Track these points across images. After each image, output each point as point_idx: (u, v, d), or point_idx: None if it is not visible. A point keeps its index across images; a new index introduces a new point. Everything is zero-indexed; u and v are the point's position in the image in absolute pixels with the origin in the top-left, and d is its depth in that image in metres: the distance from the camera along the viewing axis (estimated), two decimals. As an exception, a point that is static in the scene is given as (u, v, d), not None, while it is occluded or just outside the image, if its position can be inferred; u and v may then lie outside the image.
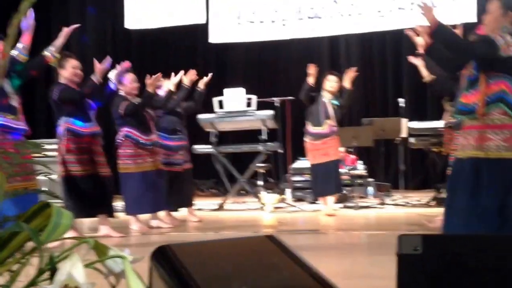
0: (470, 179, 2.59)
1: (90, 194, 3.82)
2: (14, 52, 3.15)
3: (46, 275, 0.73)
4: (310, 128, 5.22)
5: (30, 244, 0.82)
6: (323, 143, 5.16)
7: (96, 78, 3.88)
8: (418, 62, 4.14)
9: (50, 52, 3.47)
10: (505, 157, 2.54)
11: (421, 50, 3.21)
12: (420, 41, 3.12)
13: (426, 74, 4.21)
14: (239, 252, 0.88)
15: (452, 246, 0.87)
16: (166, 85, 4.85)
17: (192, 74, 5.15)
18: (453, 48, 2.69)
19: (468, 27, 3.28)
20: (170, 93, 4.73)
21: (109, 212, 4.00)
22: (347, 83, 5.18)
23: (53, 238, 0.73)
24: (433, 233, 0.91)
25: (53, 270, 0.72)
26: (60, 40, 3.54)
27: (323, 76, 5.33)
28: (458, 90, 2.84)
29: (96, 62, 3.92)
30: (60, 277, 0.66)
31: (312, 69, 5.19)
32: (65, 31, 3.58)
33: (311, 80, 5.18)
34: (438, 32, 2.65)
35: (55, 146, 4.06)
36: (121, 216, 4.41)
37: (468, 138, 2.65)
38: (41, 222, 0.77)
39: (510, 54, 2.56)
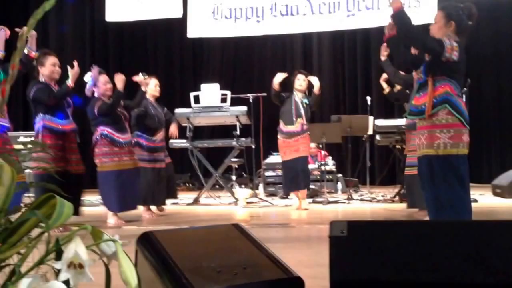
0: (426, 175, 2.86)
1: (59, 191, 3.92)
2: None
3: (52, 255, 0.89)
4: (283, 126, 5.43)
5: (35, 231, 0.98)
6: (295, 141, 5.37)
7: (69, 83, 3.98)
8: (383, 77, 4.66)
9: (29, 49, 3.61)
10: (452, 153, 2.80)
11: (382, 58, 3.46)
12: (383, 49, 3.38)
13: (385, 86, 4.76)
14: (209, 237, 1.07)
15: (371, 230, 1.08)
16: (152, 82, 5.02)
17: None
18: (409, 32, 2.90)
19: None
20: (143, 94, 4.82)
21: (75, 210, 4.12)
22: (316, 88, 5.38)
23: (58, 224, 0.89)
24: (357, 220, 1.10)
25: (58, 251, 0.88)
26: (32, 41, 3.72)
27: (293, 74, 5.53)
28: (411, 93, 3.10)
29: (69, 68, 4.03)
30: (68, 255, 0.82)
31: (282, 76, 5.38)
32: (33, 34, 3.76)
33: (276, 86, 5.37)
34: (399, 14, 2.87)
35: (31, 139, 4.12)
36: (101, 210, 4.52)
37: (421, 138, 2.93)
38: (46, 210, 0.93)
39: (453, 57, 2.82)
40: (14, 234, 0.94)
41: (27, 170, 4.42)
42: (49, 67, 4.01)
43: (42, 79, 4.03)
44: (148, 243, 1.00)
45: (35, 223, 0.95)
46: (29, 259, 0.94)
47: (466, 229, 1.13)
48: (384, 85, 4.91)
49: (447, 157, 2.80)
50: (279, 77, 5.37)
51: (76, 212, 4.12)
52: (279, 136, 5.50)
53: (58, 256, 0.88)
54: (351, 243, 1.04)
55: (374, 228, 1.09)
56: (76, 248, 0.83)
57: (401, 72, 4.42)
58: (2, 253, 0.88)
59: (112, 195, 4.39)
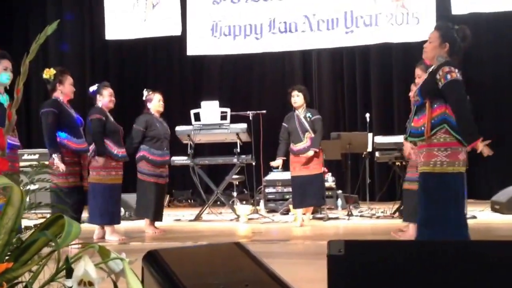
0: (421, 193, 2.90)
1: (74, 205, 3.99)
2: None
3: (62, 273, 0.93)
4: (293, 146, 5.47)
5: (45, 250, 1.02)
6: (305, 157, 5.39)
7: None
8: None
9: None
10: (447, 171, 2.84)
11: None
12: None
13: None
14: (212, 255, 1.10)
15: (369, 249, 1.12)
16: (156, 98, 5.09)
17: None
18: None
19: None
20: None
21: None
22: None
23: (67, 243, 0.93)
24: (355, 239, 1.14)
25: (68, 269, 0.92)
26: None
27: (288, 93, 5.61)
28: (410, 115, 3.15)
29: None
30: (78, 273, 0.86)
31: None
32: None
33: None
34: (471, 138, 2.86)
35: (35, 156, 4.19)
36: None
37: (419, 156, 2.99)
38: (55, 230, 0.97)
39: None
40: (25, 252, 0.98)
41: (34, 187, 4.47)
42: (68, 87, 4.14)
43: (60, 97, 4.10)
44: (154, 261, 1.04)
45: (45, 242, 0.99)
46: (40, 276, 0.98)
47: (466, 249, 1.16)
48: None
49: (442, 175, 2.84)
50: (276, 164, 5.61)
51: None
52: (290, 154, 5.53)
53: (68, 274, 0.91)
54: (348, 262, 1.07)
55: (371, 247, 1.12)
56: (86, 267, 0.86)
57: None
58: (15, 271, 0.92)
59: (106, 208, 4.40)
